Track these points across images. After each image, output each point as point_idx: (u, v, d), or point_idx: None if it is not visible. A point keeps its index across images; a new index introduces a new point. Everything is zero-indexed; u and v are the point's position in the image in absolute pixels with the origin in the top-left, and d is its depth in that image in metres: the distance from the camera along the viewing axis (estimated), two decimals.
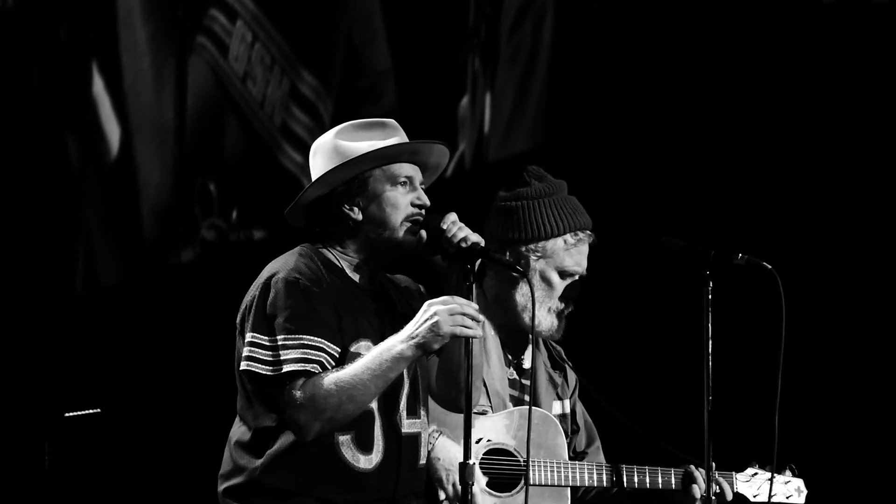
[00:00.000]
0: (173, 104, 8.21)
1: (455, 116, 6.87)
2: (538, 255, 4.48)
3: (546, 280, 4.50)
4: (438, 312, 3.72)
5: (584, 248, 4.53)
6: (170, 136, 8.22)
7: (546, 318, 4.51)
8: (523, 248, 4.49)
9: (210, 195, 8.00)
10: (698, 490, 4.41)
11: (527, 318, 4.48)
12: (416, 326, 3.74)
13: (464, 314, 3.73)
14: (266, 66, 7.81)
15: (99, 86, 8.58)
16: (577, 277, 4.52)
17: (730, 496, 4.44)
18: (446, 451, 4.21)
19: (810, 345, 5.32)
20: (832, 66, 5.61)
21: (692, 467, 4.45)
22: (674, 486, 4.46)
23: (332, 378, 3.72)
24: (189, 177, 8.18)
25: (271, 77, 7.75)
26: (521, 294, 4.51)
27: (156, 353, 7.54)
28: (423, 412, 3.97)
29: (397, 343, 3.74)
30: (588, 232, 4.53)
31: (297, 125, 7.57)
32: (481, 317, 3.77)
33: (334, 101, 7.50)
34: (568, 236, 4.48)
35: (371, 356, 3.74)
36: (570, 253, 4.49)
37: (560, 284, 4.51)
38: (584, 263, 4.53)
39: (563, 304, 4.52)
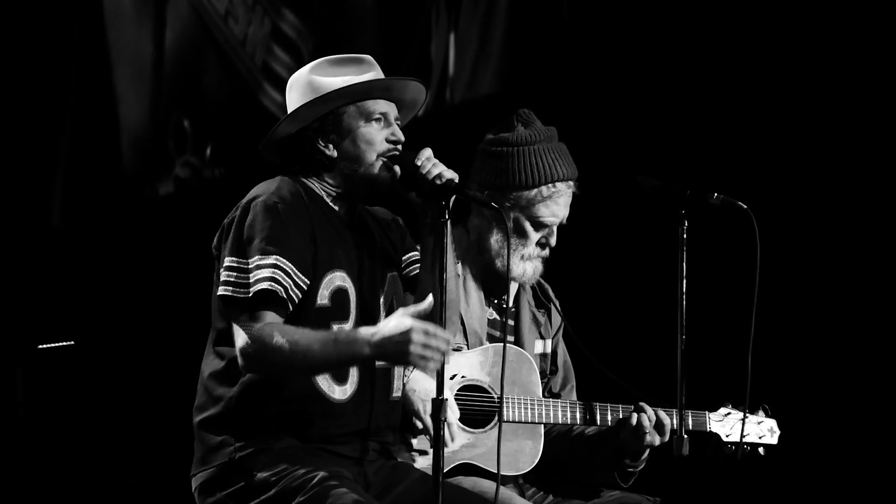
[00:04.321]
0: (152, 39, 8.17)
1: (429, 57, 6.85)
2: (512, 202, 4.45)
3: (520, 229, 4.48)
4: (413, 342, 3.63)
5: (563, 199, 4.48)
6: (148, 70, 8.18)
7: (518, 266, 4.49)
8: (499, 195, 4.48)
9: (185, 132, 7.97)
10: (646, 419, 4.42)
11: (499, 263, 4.48)
12: (388, 339, 3.65)
13: (436, 349, 3.65)
14: (248, 5, 7.77)
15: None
16: (554, 227, 4.50)
17: (667, 425, 4.44)
18: (421, 384, 4.21)
19: (785, 284, 5.34)
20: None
21: (642, 403, 4.45)
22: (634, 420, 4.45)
23: (291, 337, 3.67)
24: (165, 113, 8.15)
25: (253, 16, 7.70)
26: (495, 239, 4.50)
27: (131, 286, 7.53)
28: None
29: (363, 344, 3.67)
30: (569, 182, 4.49)
31: (278, 64, 7.53)
32: (450, 354, 3.71)
33: (315, 41, 7.47)
34: (543, 188, 4.45)
35: (334, 336, 3.71)
36: (545, 204, 4.46)
37: (534, 234, 4.49)
38: (562, 213, 4.49)
39: (538, 251, 4.50)
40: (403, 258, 4.04)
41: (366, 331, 3.70)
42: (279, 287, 3.72)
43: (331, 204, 3.93)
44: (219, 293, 3.78)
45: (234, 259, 3.78)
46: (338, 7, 7.38)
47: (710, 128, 5.79)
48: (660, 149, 5.80)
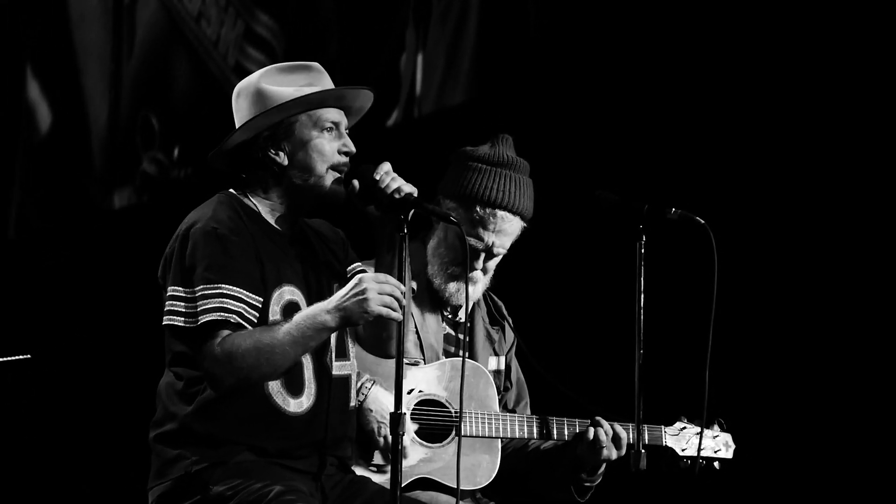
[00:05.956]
0: (112, 38, 8.16)
1: (398, 70, 6.87)
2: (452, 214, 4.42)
3: (451, 244, 4.47)
4: (369, 290, 3.70)
5: (496, 227, 4.43)
6: (116, 71, 8.18)
7: (441, 281, 4.49)
8: (446, 202, 4.47)
9: (152, 129, 7.96)
10: (603, 434, 4.42)
11: (436, 281, 4.46)
12: (345, 299, 3.72)
13: (392, 296, 3.71)
14: (220, 6, 7.78)
15: (29, 77, 8.50)
16: (482, 252, 4.48)
17: (623, 439, 4.44)
18: (379, 403, 4.22)
19: (742, 300, 5.36)
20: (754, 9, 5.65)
21: (599, 418, 4.46)
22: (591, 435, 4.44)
23: (252, 338, 3.71)
24: (129, 116, 8.14)
25: (225, 18, 7.71)
26: (438, 253, 4.48)
27: (88, 299, 7.50)
28: (352, 354, 3.97)
29: (322, 312, 3.73)
30: (509, 215, 4.43)
31: (252, 63, 7.54)
32: (405, 301, 3.76)
33: (288, 41, 7.49)
34: (478, 207, 4.43)
35: (294, 322, 3.73)
36: (473, 225, 4.42)
37: (458, 253, 4.45)
38: (489, 239, 4.43)
39: (462, 271, 4.45)
40: (348, 269, 4.04)
41: (320, 303, 3.75)
42: (230, 315, 3.72)
43: (271, 221, 3.92)
44: (166, 323, 3.78)
45: (177, 289, 3.78)
46: (307, 15, 7.39)
47: (668, 143, 5.81)
48: (619, 163, 5.81)
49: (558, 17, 6.22)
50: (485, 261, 4.47)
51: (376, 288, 3.71)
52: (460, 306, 4.52)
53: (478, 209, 4.43)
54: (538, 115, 6.07)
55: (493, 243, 4.45)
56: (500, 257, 4.50)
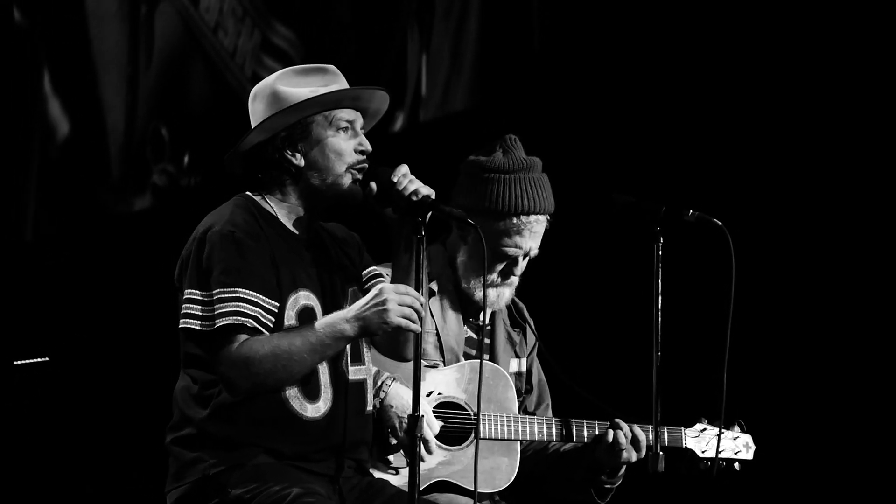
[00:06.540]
0: (128, 45, 8.18)
1: (405, 74, 6.88)
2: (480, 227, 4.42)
3: (482, 255, 4.46)
4: (389, 300, 3.70)
5: (529, 232, 4.43)
6: (134, 78, 8.21)
7: (479, 291, 4.49)
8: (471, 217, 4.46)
9: (162, 140, 7.98)
10: (622, 436, 4.42)
11: (464, 283, 4.47)
12: (364, 309, 3.72)
13: (412, 307, 3.71)
14: (237, 17, 7.81)
15: (47, 83, 8.52)
16: (518, 258, 4.48)
17: (643, 442, 4.43)
18: (400, 399, 4.20)
19: (759, 300, 5.35)
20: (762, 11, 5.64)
21: (618, 420, 4.45)
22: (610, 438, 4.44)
23: (270, 344, 3.71)
24: (145, 125, 8.16)
25: (243, 28, 7.74)
26: (461, 260, 4.48)
27: (106, 302, 7.51)
28: (367, 358, 3.97)
29: (341, 321, 3.73)
30: (538, 216, 4.45)
31: (269, 73, 7.56)
32: (423, 313, 3.76)
33: (306, 50, 7.51)
34: (509, 219, 4.42)
35: (313, 329, 3.73)
36: (509, 235, 4.42)
37: (496, 264, 4.43)
38: (527, 245, 4.44)
39: (500, 279, 4.46)
40: (363, 273, 4.05)
41: (339, 312, 3.76)
42: (247, 319, 3.72)
43: (287, 224, 3.92)
44: (182, 326, 3.78)
45: (193, 292, 3.77)
46: (322, 22, 7.41)
47: (685, 144, 5.81)
48: (635, 165, 5.81)
49: (562, 20, 6.22)
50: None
51: (396, 299, 3.70)
52: (478, 310, 4.53)
53: (510, 220, 4.42)
54: (543, 120, 6.07)
55: (530, 248, 4.46)
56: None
